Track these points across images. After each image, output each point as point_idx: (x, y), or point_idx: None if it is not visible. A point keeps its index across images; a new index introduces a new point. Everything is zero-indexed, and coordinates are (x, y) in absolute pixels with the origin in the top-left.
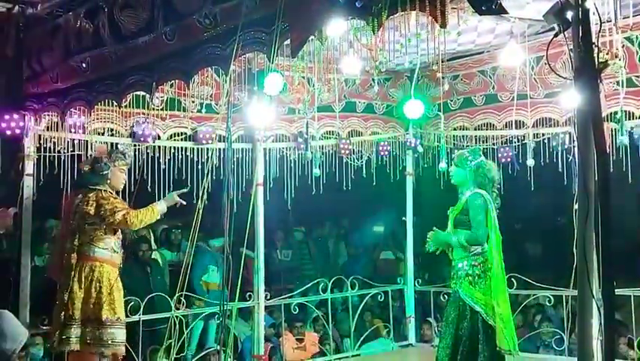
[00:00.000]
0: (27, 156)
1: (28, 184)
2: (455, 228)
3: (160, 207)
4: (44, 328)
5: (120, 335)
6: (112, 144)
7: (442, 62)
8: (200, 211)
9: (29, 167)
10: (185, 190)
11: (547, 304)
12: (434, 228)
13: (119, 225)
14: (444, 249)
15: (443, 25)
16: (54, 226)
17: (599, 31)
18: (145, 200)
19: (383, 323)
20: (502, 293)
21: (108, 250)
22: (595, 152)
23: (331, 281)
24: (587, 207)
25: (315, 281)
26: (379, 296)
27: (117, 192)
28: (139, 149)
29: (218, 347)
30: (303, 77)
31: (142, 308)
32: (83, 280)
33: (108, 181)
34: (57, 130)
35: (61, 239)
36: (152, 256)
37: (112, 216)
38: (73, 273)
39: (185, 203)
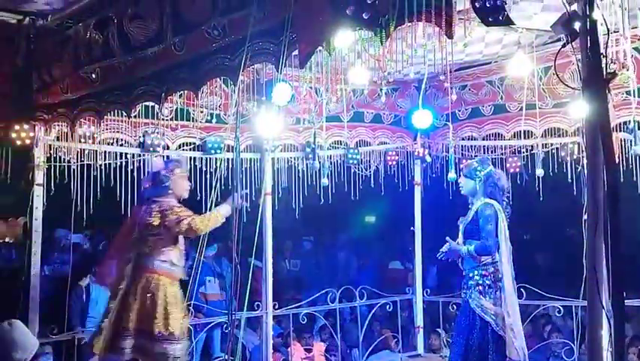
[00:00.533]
0: (37, 166)
1: (38, 194)
2: (465, 238)
3: (224, 211)
4: (54, 337)
5: (172, 350)
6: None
7: (450, 72)
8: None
9: (39, 177)
10: (246, 191)
11: (557, 314)
12: (447, 238)
13: (187, 233)
14: (454, 259)
15: (450, 36)
16: (63, 236)
17: (607, 42)
18: None
19: (391, 333)
20: (513, 304)
21: (167, 263)
22: (604, 162)
23: (339, 291)
24: (597, 217)
25: (324, 291)
26: (388, 306)
27: (179, 200)
28: (148, 159)
29: (226, 357)
30: (311, 88)
31: None
32: (139, 290)
33: (170, 192)
34: (67, 140)
35: (118, 250)
36: None
37: (177, 225)
38: (128, 284)
39: (247, 204)
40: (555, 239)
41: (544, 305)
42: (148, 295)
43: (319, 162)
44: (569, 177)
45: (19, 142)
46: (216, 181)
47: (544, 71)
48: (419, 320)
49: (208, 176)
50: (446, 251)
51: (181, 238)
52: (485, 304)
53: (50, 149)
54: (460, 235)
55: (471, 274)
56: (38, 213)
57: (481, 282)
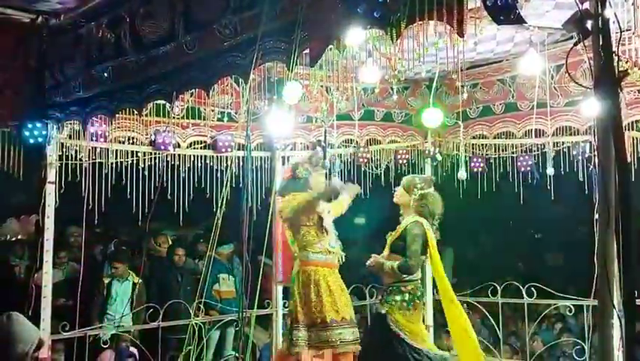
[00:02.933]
0: (49, 164)
1: (50, 192)
2: (391, 253)
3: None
4: (65, 334)
5: (348, 334)
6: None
7: (461, 70)
8: (220, 220)
9: (51, 175)
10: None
11: (568, 313)
12: (373, 255)
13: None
14: (378, 273)
15: (461, 35)
16: (71, 233)
17: (619, 40)
18: (164, 208)
19: None
20: (458, 318)
21: (321, 254)
22: (615, 161)
23: (350, 289)
24: (608, 216)
25: None
26: None
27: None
28: (159, 157)
29: (237, 355)
30: (322, 86)
31: (161, 315)
32: (303, 284)
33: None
34: (79, 138)
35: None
36: (183, 265)
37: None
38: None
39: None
40: (566, 238)
41: (554, 304)
42: (312, 287)
43: (329, 161)
44: (581, 175)
45: (31, 140)
46: (227, 179)
47: (556, 70)
48: (429, 318)
49: (219, 174)
50: (372, 265)
51: (328, 225)
52: (400, 320)
53: (62, 147)
54: (387, 249)
55: (391, 288)
56: (50, 210)
57: (399, 298)
